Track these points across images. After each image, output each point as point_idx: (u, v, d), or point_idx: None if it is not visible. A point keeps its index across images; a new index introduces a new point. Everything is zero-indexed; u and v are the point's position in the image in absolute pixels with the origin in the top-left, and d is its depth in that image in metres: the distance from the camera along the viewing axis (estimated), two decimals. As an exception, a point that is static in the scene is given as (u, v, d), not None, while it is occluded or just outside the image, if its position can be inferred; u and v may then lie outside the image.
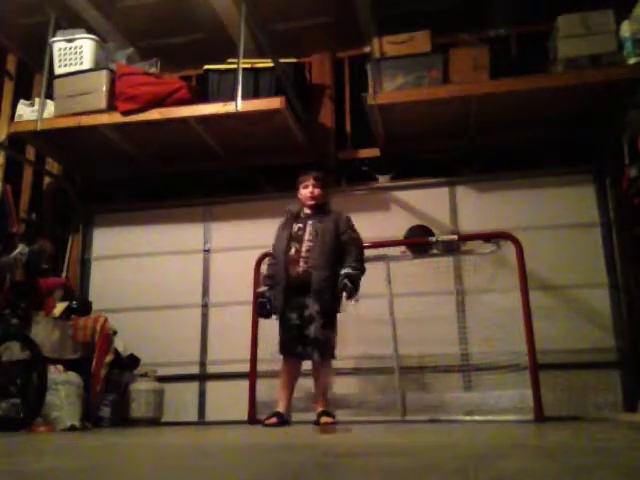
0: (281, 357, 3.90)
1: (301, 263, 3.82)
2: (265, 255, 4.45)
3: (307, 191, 4.00)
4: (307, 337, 3.77)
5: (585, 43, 4.57)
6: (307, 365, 3.95)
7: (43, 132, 5.09)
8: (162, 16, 5.33)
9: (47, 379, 3.91)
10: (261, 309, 3.91)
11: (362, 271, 3.86)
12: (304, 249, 3.85)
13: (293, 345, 3.82)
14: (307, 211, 4.01)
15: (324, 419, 3.73)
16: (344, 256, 3.85)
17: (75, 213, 5.92)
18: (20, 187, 5.65)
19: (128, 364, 4.87)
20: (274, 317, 3.89)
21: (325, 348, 3.78)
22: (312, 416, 3.91)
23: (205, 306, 5.50)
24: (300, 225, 3.94)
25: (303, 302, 3.79)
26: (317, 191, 3.99)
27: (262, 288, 3.94)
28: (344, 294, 3.73)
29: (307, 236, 3.88)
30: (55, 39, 5.15)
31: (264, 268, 4.26)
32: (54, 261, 5.60)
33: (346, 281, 3.72)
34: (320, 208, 4.01)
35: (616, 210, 4.98)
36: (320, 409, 3.80)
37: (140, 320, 5.40)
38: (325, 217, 3.97)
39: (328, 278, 3.77)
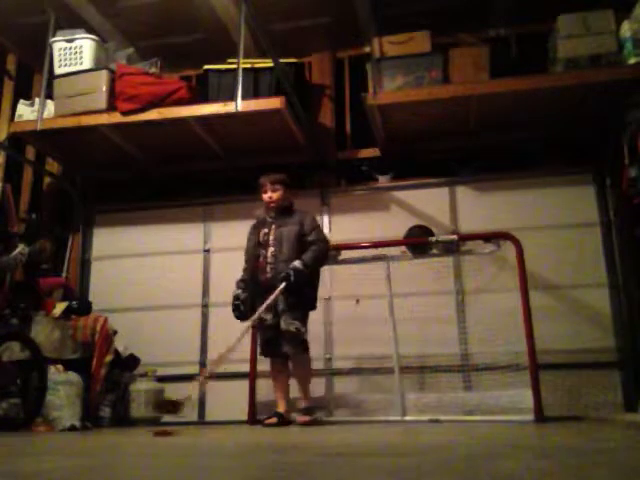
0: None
1: (268, 269, 3.89)
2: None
3: (266, 196, 4.03)
4: (281, 334, 3.80)
5: (585, 43, 4.57)
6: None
7: (43, 132, 5.08)
8: (162, 16, 5.33)
9: (47, 379, 3.91)
10: (236, 311, 3.95)
11: (310, 269, 3.84)
12: (269, 254, 3.91)
13: (272, 345, 3.87)
14: (271, 214, 4.04)
15: (302, 419, 3.77)
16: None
17: (75, 213, 5.91)
18: (20, 187, 5.65)
19: (128, 364, 4.87)
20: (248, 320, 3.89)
21: (295, 341, 3.78)
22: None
23: (205, 306, 5.50)
24: (265, 230, 4.00)
25: (276, 301, 3.82)
26: (275, 195, 4.00)
27: (236, 291, 3.99)
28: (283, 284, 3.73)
29: (271, 241, 3.94)
30: (55, 39, 5.14)
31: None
32: (54, 261, 5.60)
33: (290, 272, 3.73)
34: (284, 210, 4.03)
35: (616, 210, 4.98)
36: (301, 405, 3.84)
37: (140, 320, 5.40)
38: (288, 219, 3.99)
39: None
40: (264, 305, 3.76)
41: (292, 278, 3.72)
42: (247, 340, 4.50)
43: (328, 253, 4.14)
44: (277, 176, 4.05)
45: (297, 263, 3.78)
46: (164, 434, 3.00)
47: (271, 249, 3.91)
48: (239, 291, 3.98)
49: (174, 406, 3.02)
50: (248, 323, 3.84)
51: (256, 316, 3.80)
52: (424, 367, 4.76)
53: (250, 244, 4.06)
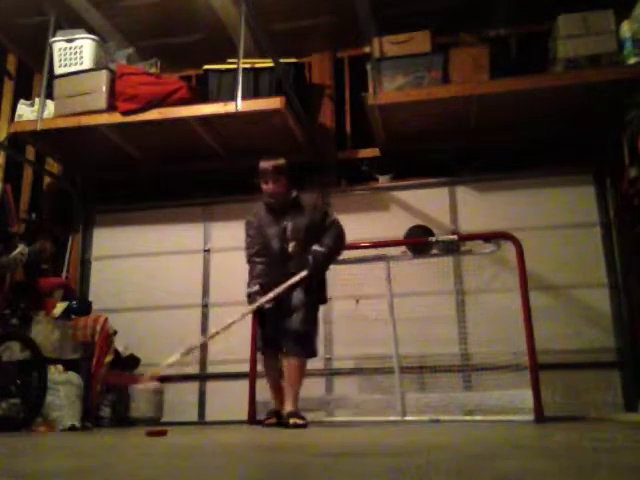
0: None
1: (290, 264, 3.75)
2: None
3: (267, 187, 3.81)
4: (287, 330, 3.67)
5: (585, 43, 4.57)
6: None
7: (43, 132, 5.09)
8: (162, 16, 5.33)
9: (47, 379, 3.91)
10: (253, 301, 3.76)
11: (332, 251, 3.75)
12: (291, 248, 3.78)
13: (273, 339, 3.74)
14: (279, 206, 3.83)
15: (293, 420, 3.51)
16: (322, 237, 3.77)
17: (75, 213, 5.92)
18: (20, 187, 5.65)
19: (128, 364, 4.87)
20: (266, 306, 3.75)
21: (302, 341, 3.65)
22: (314, 416, 3.90)
23: (205, 306, 5.50)
24: (285, 223, 3.80)
25: (289, 294, 3.71)
26: (274, 186, 3.77)
27: (254, 288, 3.77)
28: (304, 272, 3.63)
29: (290, 234, 3.78)
30: (55, 39, 5.15)
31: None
32: (54, 261, 5.60)
33: (310, 258, 3.66)
34: (293, 201, 3.84)
35: (616, 210, 4.98)
36: (289, 409, 3.60)
37: (140, 320, 5.40)
38: (298, 211, 3.82)
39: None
40: (277, 290, 3.63)
41: (311, 263, 3.64)
42: (246, 340, 4.51)
43: (344, 235, 3.92)
44: (277, 165, 3.79)
45: (316, 247, 3.69)
46: (157, 434, 2.99)
47: (292, 243, 3.76)
48: (257, 287, 3.75)
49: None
50: (249, 307, 3.70)
51: (264, 300, 3.65)
52: (424, 367, 4.76)
53: (262, 237, 3.84)
